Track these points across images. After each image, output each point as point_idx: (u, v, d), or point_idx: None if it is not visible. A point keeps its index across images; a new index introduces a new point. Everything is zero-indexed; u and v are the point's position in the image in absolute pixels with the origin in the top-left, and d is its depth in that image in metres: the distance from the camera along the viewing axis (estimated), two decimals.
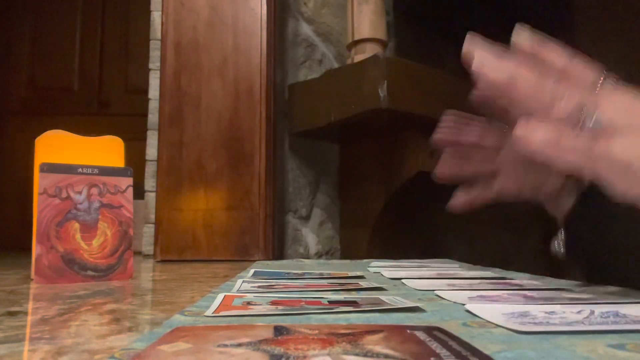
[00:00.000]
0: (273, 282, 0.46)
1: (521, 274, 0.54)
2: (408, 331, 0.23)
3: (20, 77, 2.53)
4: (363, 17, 1.26)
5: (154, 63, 1.25)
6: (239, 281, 0.46)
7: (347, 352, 0.19)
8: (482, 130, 0.41)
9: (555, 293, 0.38)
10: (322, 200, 1.40)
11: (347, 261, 0.90)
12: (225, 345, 0.20)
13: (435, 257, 0.82)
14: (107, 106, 2.55)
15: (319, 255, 1.37)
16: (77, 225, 0.55)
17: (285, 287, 0.42)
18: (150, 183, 1.21)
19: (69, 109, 2.48)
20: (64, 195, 0.55)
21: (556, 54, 0.31)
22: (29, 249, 0.56)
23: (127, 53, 2.58)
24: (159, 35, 1.20)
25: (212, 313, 0.29)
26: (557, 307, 0.30)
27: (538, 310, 0.29)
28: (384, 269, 0.62)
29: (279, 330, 0.23)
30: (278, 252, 1.24)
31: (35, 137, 0.60)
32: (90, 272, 0.55)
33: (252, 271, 0.58)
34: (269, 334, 0.23)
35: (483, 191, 0.42)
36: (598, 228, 0.40)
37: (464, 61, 0.31)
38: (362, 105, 1.13)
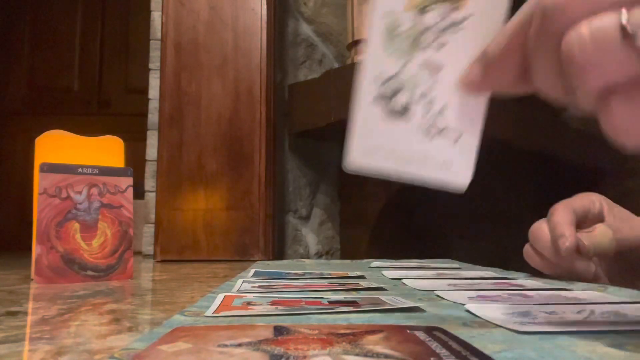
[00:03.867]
0: (273, 282, 0.46)
1: (521, 274, 0.54)
2: (408, 331, 0.23)
3: (20, 77, 2.53)
4: (363, 17, 1.26)
5: (154, 63, 1.25)
6: (239, 281, 0.46)
7: (347, 352, 0.19)
8: None
9: (555, 293, 0.38)
10: (322, 200, 1.40)
11: (347, 261, 0.90)
12: (225, 345, 0.20)
13: (435, 257, 0.82)
14: (107, 106, 2.55)
15: (319, 255, 1.37)
16: (77, 225, 0.55)
17: (286, 287, 0.42)
18: (150, 183, 1.21)
19: (69, 109, 2.48)
20: (64, 195, 0.55)
21: None
22: (29, 249, 0.56)
23: (127, 53, 2.58)
24: (159, 35, 1.20)
25: (212, 313, 0.29)
26: (557, 307, 0.30)
27: (538, 310, 0.29)
28: (384, 269, 0.62)
29: (279, 330, 0.23)
30: (278, 252, 1.24)
31: (35, 137, 0.60)
32: (90, 272, 0.55)
33: (252, 271, 0.58)
34: (269, 334, 0.23)
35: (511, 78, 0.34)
36: None
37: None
38: None
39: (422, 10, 0.26)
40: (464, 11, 0.26)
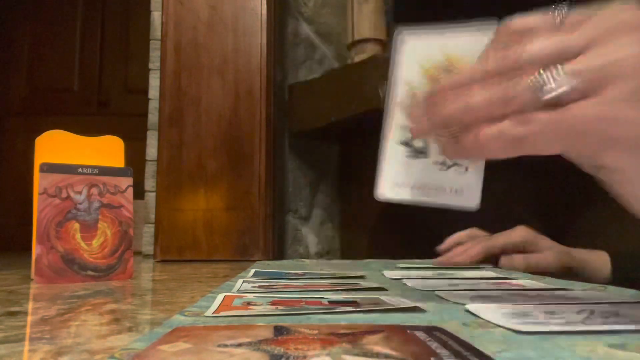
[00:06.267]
0: (273, 282, 0.46)
1: (521, 274, 0.54)
2: (408, 331, 0.23)
3: (20, 77, 2.53)
4: (363, 17, 1.26)
5: (154, 63, 1.25)
6: (239, 281, 0.46)
7: (347, 352, 0.19)
8: None
9: (555, 293, 0.38)
10: (322, 200, 1.40)
11: (348, 261, 0.90)
12: (226, 345, 0.20)
13: (435, 257, 0.82)
14: (107, 106, 2.55)
15: (319, 255, 1.37)
16: (77, 225, 0.55)
17: (286, 287, 0.42)
18: (150, 183, 1.21)
19: (69, 109, 2.48)
20: (64, 195, 0.55)
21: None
22: (29, 249, 0.56)
23: (127, 53, 2.58)
24: (159, 35, 1.20)
25: (212, 313, 0.29)
26: (557, 307, 0.30)
27: (538, 310, 0.29)
28: (394, 269, 0.62)
29: (279, 330, 0.23)
30: (278, 252, 1.24)
31: (35, 137, 0.60)
32: (90, 272, 0.55)
33: (252, 271, 0.58)
34: (269, 334, 0.23)
35: None
36: None
37: None
38: (362, 105, 1.13)
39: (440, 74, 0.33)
40: None
